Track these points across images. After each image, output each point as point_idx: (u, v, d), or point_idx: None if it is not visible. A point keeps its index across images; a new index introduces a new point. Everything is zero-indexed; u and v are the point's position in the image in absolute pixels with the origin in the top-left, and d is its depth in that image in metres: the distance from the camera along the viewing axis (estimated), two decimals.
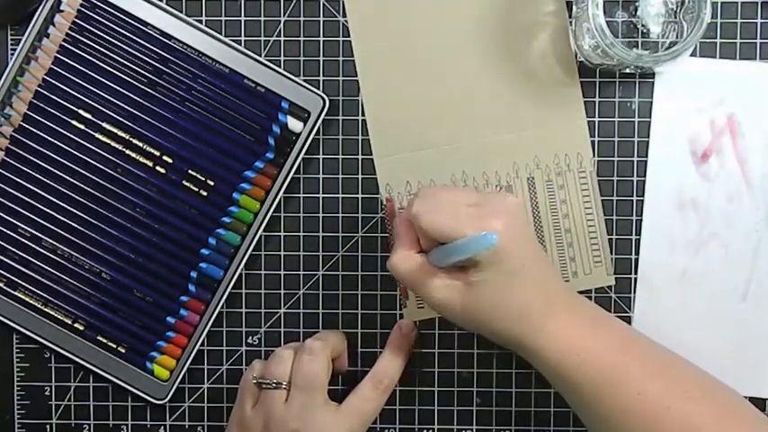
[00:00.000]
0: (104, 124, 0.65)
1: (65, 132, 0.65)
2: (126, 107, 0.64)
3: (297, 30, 0.65)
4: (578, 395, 0.57)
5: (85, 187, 0.65)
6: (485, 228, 0.52)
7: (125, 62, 0.64)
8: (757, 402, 0.65)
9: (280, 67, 0.65)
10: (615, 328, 0.59)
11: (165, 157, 0.65)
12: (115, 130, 0.65)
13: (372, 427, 0.64)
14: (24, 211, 0.65)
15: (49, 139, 0.65)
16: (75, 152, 0.65)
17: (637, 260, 0.65)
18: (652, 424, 0.55)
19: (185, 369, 0.66)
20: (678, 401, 0.55)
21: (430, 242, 0.55)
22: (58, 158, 0.65)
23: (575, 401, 0.58)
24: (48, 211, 0.65)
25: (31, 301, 0.66)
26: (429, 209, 0.54)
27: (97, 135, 0.65)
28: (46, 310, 0.66)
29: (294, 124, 0.64)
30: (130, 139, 0.65)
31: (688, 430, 0.55)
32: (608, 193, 0.65)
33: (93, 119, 0.65)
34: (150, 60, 0.64)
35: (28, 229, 0.65)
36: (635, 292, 0.65)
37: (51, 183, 0.65)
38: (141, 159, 0.65)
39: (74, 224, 0.65)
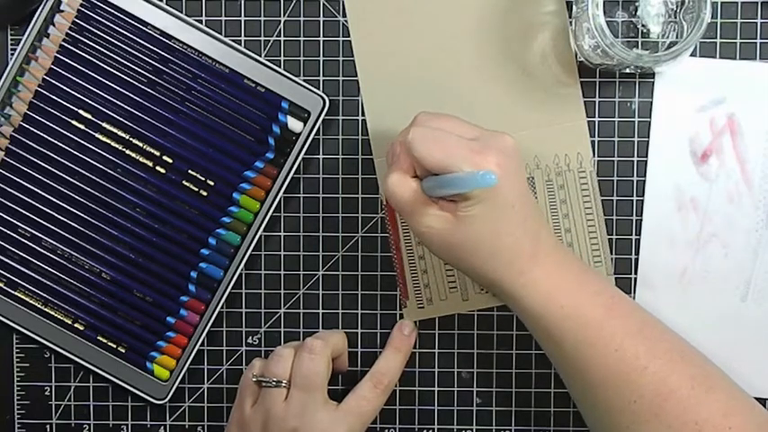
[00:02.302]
0: (104, 124, 0.65)
1: (65, 132, 0.65)
2: (126, 107, 0.64)
3: (297, 30, 0.65)
4: (558, 347, 0.56)
5: (85, 187, 0.65)
6: (479, 164, 0.52)
7: (125, 62, 0.64)
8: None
9: (280, 67, 0.65)
10: (601, 284, 0.58)
11: (165, 157, 0.65)
12: (115, 130, 0.65)
13: (372, 427, 0.64)
14: (24, 211, 0.65)
15: (49, 139, 0.65)
16: (75, 152, 0.65)
17: (637, 260, 0.65)
18: (628, 381, 0.55)
19: (185, 369, 0.66)
20: (656, 362, 0.55)
21: (423, 170, 0.54)
22: (58, 158, 0.65)
23: (553, 353, 0.58)
24: (48, 211, 0.65)
25: (31, 301, 0.66)
26: (423, 137, 0.54)
27: (97, 135, 0.65)
28: (46, 310, 0.66)
29: (294, 124, 0.64)
30: (130, 139, 0.65)
31: (663, 391, 0.54)
32: (608, 193, 0.65)
33: (93, 119, 0.65)
34: (150, 60, 0.64)
35: (28, 229, 0.65)
36: (635, 292, 0.65)
37: (51, 183, 0.65)
38: (141, 159, 0.65)
39: (74, 224, 0.65)
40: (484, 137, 0.55)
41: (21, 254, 0.65)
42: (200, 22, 0.65)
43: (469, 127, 0.56)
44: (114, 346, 0.66)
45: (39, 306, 0.66)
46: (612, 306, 0.57)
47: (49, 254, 0.65)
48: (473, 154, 0.53)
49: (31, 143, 0.65)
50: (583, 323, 0.55)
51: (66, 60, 0.64)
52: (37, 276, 0.66)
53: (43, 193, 0.65)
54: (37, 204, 0.65)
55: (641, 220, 0.65)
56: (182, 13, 0.65)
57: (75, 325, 0.66)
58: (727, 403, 0.56)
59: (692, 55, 0.64)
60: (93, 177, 0.65)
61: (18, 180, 0.65)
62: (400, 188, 0.55)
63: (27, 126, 0.65)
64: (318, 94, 0.64)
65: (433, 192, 0.54)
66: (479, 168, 0.52)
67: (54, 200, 0.65)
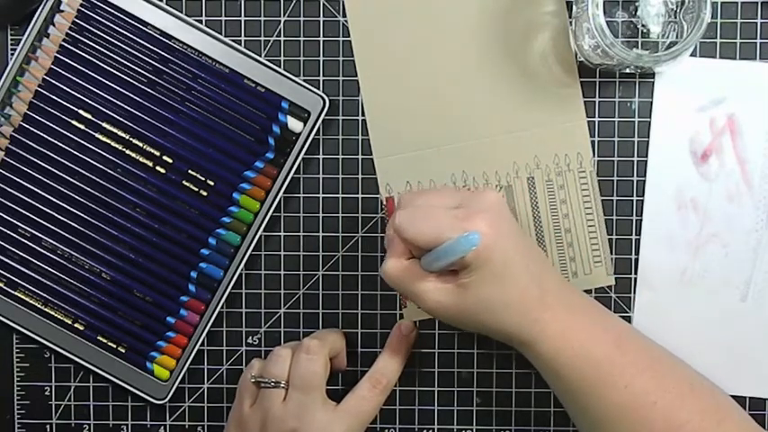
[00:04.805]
0: (104, 124, 0.65)
1: (65, 132, 0.65)
2: (126, 107, 0.64)
3: (297, 30, 0.65)
4: (568, 386, 0.57)
5: (85, 187, 0.65)
6: (468, 229, 0.53)
7: (125, 62, 0.64)
8: (757, 402, 0.65)
9: (280, 67, 0.65)
10: (609, 321, 0.59)
11: (165, 157, 0.65)
12: (115, 130, 0.65)
13: (372, 427, 0.64)
14: (24, 211, 0.65)
15: (49, 139, 0.65)
16: (75, 152, 0.65)
17: (637, 260, 0.65)
18: (638, 417, 0.55)
19: (185, 369, 0.66)
20: (665, 396, 0.55)
21: (418, 249, 0.55)
22: (58, 158, 0.65)
23: (562, 392, 0.58)
24: (48, 211, 0.65)
25: (31, 301, 0.66)
26: (410, 219, 0.54)
27: (97, 135, 0.65)
28: (46, 310, 0.66)
29: (294, 124, 0.64)
30: (130, 139, 0.65)
31: (673, 425, 0.55)
32: (608, 193, 0.65)
33: (93, 119, 0.65)
34: (150, 60, 0.64)
35: (28, 229, 0.65)
36: (635, 292, 0.65)
37: (51, 183, 0.65)
38: (141, 159, 0.65)
39: (74, 224, 0.65)
40: (466, 201, 0.55)
41: (21, 254, 0.65)
42: (201, 22, 0.65)
43: (452, 195, 0.56)
44: (114, 346, 0.66)
45: (39, 306, 0.66)
46: (621, 343, 0.57)
47: (49, 254, 0.65)
48: (459, 221, 0.53)
49: (31, 143, 0.65)
50: (593, 362, 0.56)
51: (66, 60, 0.64)
52: (37, 276, 0.66)
53: (43, 193, 0.65)
54: (37, 204, 0.65)
55: (641, 220, 0.65)
56: (182, 13, 0.65)
57: (75, 325, 0.66)
58: None
59: (692, 55, 0.64)
60: (93, 177, 0.65)
61: (18, 180, 0.65)
62: (397, 271, 0.56)
63: (27, 126, 0.65)
64: (318, 94, 0.64)
65: (431, 267, 0.55)
66: (466, 233, 0.52)
67: (54, 200, 0.65)
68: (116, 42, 0.64)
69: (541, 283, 0.56)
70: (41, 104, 0.64)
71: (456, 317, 0.56)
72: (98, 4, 0.64)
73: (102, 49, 0.64)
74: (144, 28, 0.64)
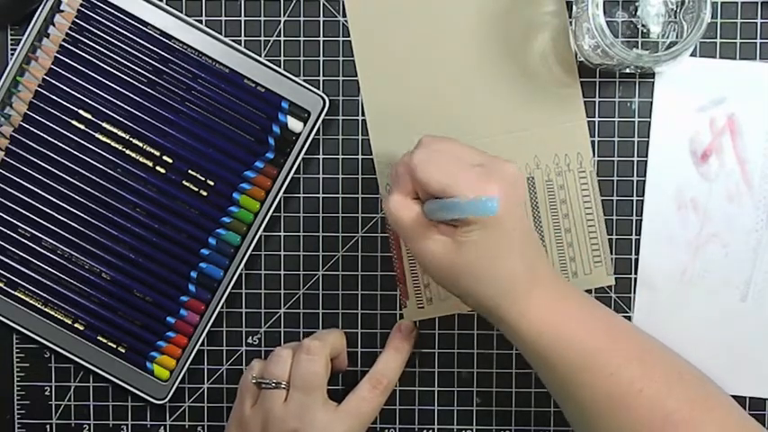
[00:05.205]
0: (104, 124, 0.65)
1: (65, 132, 0.65)
2: (126, 107, 0.64)
3: (297, 30, 0.65)
4: (552, 372, 0.57)
5: (85, 187, 0.65)
6: (482, 191, 0.52)
7: (125, 62, 0.64)
8: (757, 402, 0.65)
9: (280, 67, 0.65)
10: (599, 311, 0.58)
11: (165, 157, 0.65)
12: (115, 130, 0.65)
13: (372, 427, 0.64)
14: (24, 211, 0.65)
15: (49, 139, 0.65)
16: (75, 152, 0.65)
17: (637, 260, 0.65)
18: (623, 405, 0.55)
19: (185, 369, 0.66)
20: (652, 385, 0.55)
21: (425, 193, 0.55)
22: (58, 158, 0.65)
23: (547, 377, 0.58)
24: (48, 211, 0.65)
25: (31, 301, 0.66)
26: (428, 161, 0.53)
27: (97, 135, 0.65)
28: (46, 310, 0.66)
29: (294, 124, 0.64)
30: (130, 139, 0.65)
31: (660, 414, 0.54)
32: (608, 193, 0.65)
33: (93, 119, 0.65)
34: (150, 60, 0.64)
35: (28, 229, 0.65)
36: (635, 292, 0.65)
37: (51, 183, 0.65)
38: (141, 159, 0.65)
39: (74, 224, 0.65)
40: (488, 163, 0.54)
41: (21, 254, 0.65)
42: (201, 22, 0.65)
43: (474, 152, 0.56)
44: (114, 346, 0.66)
45: (39, 306, 0.66)
46: (609, 332, 0.57)
47: (49, 254, 0.65)
48: (477, 180, 0.53)
49: (31, 143, 0.65)
50: (578, 349, 0.55)
51: (66, 60, 0.64)
52: (37, 276, 0.66)
53: (43, 193, 0.65)
54: (37, 204, 0.65)
55: (641, 220, 0.65)
56: (182, 13, 0.65)
57: (75, 325, 0.66)
58: (724, 424, 0.56)
59: (692, 55, 0.64)
60: (93, 177, 0.65)
61: (18, 180, 0.65)
62: (402, 210, 0.55)
63: (27, 126, 0.65)
64: (318, 94, 0.64)
65: (433, 215, 0.54)
66: (482, 194, 0.51)
67: (54, 200, 0.65)
68: (116, 42, 0.64)
69: (533, 266, 0.56)
70: (41, 104, 0.64)
71: (443, 273, 0.55)
72: (98, 4, 0.64)
73: (102, 49, 0.64)
74: (144, 28, 0.64)
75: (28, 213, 0.65)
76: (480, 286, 0.55)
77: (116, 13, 0.64)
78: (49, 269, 0.66)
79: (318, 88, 0.65)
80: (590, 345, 0.56)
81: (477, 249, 0.54)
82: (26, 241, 0.65)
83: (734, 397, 0.61)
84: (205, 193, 0.65)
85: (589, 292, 0.65)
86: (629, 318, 0.65)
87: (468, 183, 0.52)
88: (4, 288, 0.66)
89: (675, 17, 0.62)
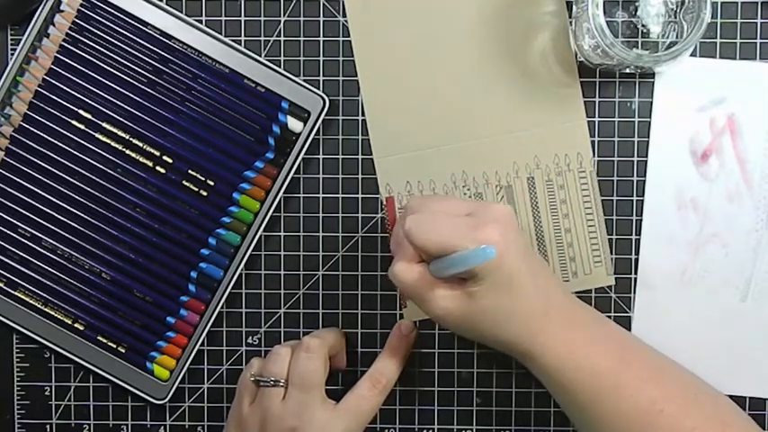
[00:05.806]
0: (104, 124, 0.65)
1: (65, 132, 0.65)
2: (126, 107, 0.64)
3: (297, 30, 0.65)
4: (573, 398, 0.57)
5: (85, 187, 0.65)
6: (479, 239, 0.53)
7: (125, 62, 0.64)
8: (757, 402, 0.65)
9: (280, 67, 0.65)
10: (613, 332, 0.59)
11: (165, 157, 0.65)
12: (115, 130, 0.65)
13: (372, 427, 0.64)
14: (24, 211, 0.65)
15: (49, 139, 0.65)
16: (75, 152, 0.65)
17: (637, 260, 0.65)
18: (644, 425, 0.55)
19: (185, 369, 0.66)
20: (671, 405, 0.56)
21: (427, 254, 0.55)
22: (58, 158, 0.65)
23: (569, 405, 0.58)
24: (48, 211, 0.65)
25: (31, 301, 0.66)
26: (421, 224, 0.54)
27: (97, 135, 0.65)
28: (46, 310, 0.66)
29: (294, 124, 0.64)
30: (130, 139, 0.65)
31: None
32: (608, 193, 0.65)
33: (93, 119, 0.65)
34: (150, 60, 0.64)
35: (28, 229, 0.65)
36: (635, 292, 0.65)
37: (51, 183, 0.65)
38: (141, 159, 0.65)
39: (74, 224, 0.65)
40: (477, 210, 0.55)
41: (21, 254, 0.65)
42: (201, 22, 0.65)
43: (461, 202, 0.56)
44: (114, 346, 0.66)
45: (39, 306, 0.66)
46: (624, 354, 0.57)
47: (49, 254, 0.65)
48: (471, 230, 0.53)
49: (31, 143, 0.65)
50: (597, 373, 0.56)
51: (67, 60, 0.64)
52: (37, 276, 0.66)
53: (43, 193, 0.65)
54: (37, 204, 0.65)
55: (641, 220, 0.65)
56: (182, 13, 0.65)
57: (75, 325, 0.66)
58: None
59: (692, 55, 0.64)
60: (93, 177, 0.65)
61: (18, 180, 0.65)
62: (407, 276, 0.56)
63: (27, 126, 0.65)
64: (318, 94, 0.64)
65: (440, 273, 0.55)
66: (480, 242, 0.52)
67: (54, 200, 0.65)
68: (116, 42, 0.64)
69: (547, 295, 0.56)
70: (41, 104, 0.64)
71: (461, 324, 0.56)
72: (98, 4, 0.64)
73: (102, 49, 0.64)
74: (144, 28, 0.64)
75: (28, 213, 0.65)
76: (501, 326, 0.56)
77: (116, 13, 0.64)
78: (49, 269, 0.66)
79: (318, 88, 0.65)
80: (606, 368, 0.56)
81: (491, 295, 0.54)
82: (26, 241, 0.65)
83: (733, 397, 0.61)
84: (205, 193, 0.65)
85: (589, 292, 0.65)
86: (629, 318, 0.65)
87: (465, 234, 0.53)
88: (4, 288, 0.66)
89: (675, 17, 0.62)
